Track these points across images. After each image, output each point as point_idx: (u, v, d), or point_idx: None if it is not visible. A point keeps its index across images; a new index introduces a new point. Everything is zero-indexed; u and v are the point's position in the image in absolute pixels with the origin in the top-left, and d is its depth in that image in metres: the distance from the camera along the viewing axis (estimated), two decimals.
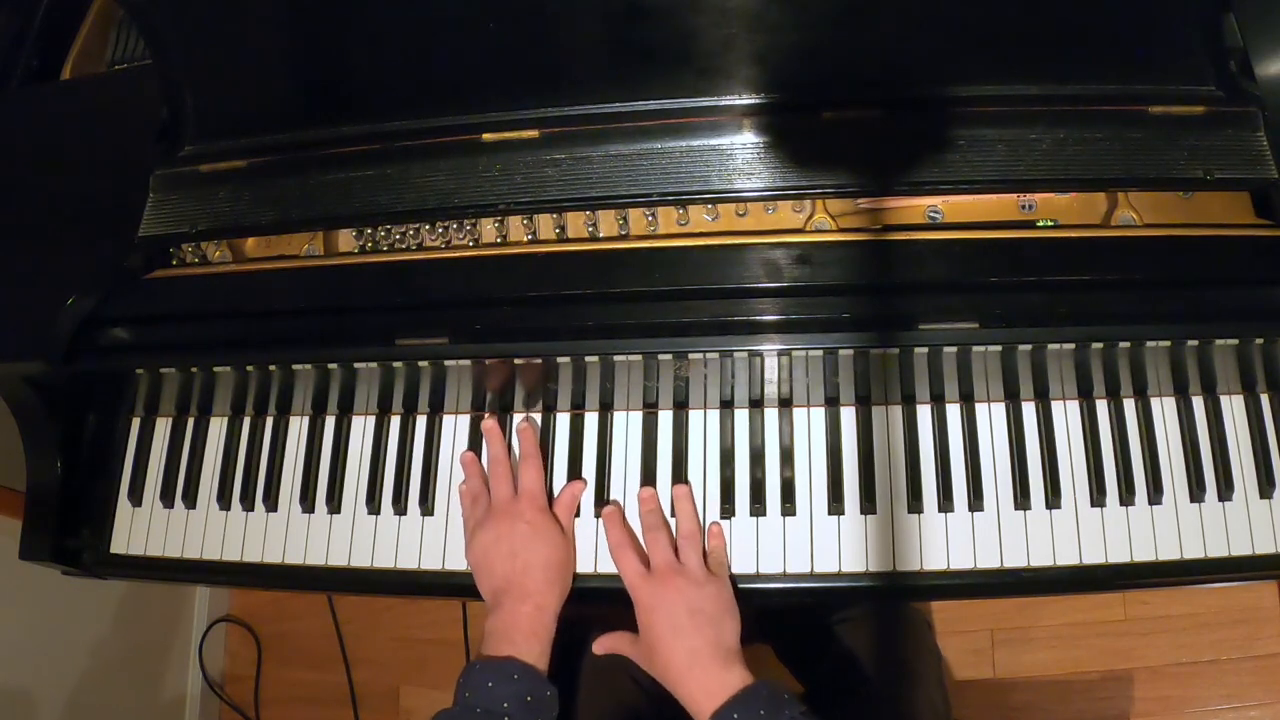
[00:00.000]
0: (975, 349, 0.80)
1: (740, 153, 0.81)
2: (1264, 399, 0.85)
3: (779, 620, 1.14)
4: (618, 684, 0.97)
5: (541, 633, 0.79)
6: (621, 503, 0.88)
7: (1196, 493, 0.83)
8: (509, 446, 0.90)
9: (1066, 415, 0.86)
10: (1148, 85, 0.79)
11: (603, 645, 0.85)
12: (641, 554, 0.84)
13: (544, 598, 0.81)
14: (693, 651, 0.77)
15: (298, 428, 0.96)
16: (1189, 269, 0.78)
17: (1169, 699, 1.51)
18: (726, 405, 0.89)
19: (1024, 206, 0.85)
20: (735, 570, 0.85)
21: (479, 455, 0.92)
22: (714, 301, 0.80)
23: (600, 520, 0.88)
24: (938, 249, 0.80)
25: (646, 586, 0.81)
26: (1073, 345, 0.78)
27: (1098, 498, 0.83)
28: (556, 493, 0.89)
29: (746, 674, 0.77)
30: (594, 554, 0.87)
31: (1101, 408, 0.85)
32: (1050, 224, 0.83)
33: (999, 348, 0.79)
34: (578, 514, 0.89)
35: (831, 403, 0.88)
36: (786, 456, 0.87)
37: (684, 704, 0.77)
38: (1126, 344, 0.78)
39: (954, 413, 0.86)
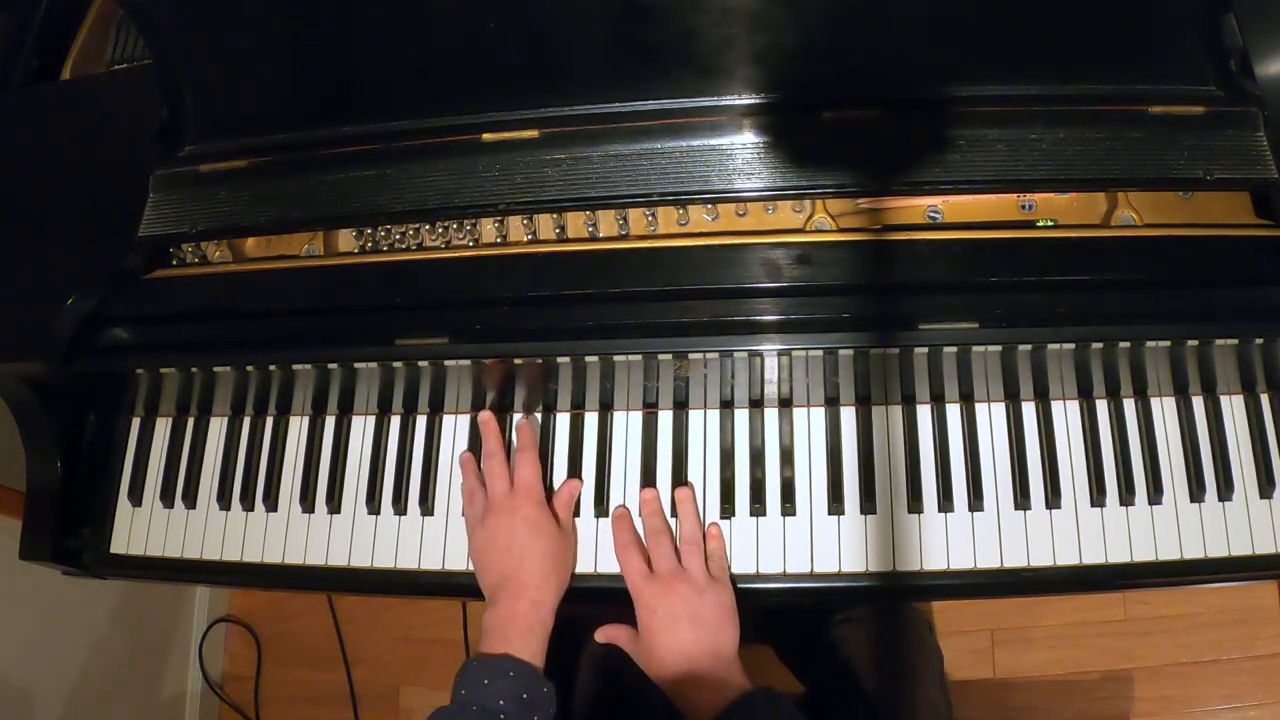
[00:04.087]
0: (975, 349, 0.80)
1: (740, 153, 0.81)
2: (1264, 399, 0.85)
3: (779, 620, 1.14)
4: (615, 684, 0.97)
5: (538, 628, 0.79)
6: (622, 502, 0.88)
7: (1196, 493, 0.83)
8: (506, 442, 0.90)
9: (1066, 415, 0.86)
10: (1148, 85, 0.79)
11: (604, 635, 0.85)
12: (646, 556, 0.84)
13: (540, 592, 0.81)
14: (691, 658, 0.78)
15: (298, 428, 0.96)
16: (1189, 269, 0.78)
17: (1169, 699, 1.51)
18: (726, 405, 0.89)
19: (1024, 206, 0.84)
20: (735, 570, 0.85)
21: (479, 455, 0.92)
22: (714, 301, 0.80)
23: (600, 521, 0.88)
24: (938, 249, 0.80)
25: (649, 588, 0.81)
26: (1073, 345, 0.78)
27: (1098, 498, 0.83)
28: (556, 488, 0.89)
29: (744, 681, 0.77)
30: (594, 554, 0.87)
31: (1101, 408, 0.85)
32: (1050, 224, 0.83)
33: (999, 348, 0.79)
34: (577, 513, 0.89)
35: (831, 403, 0.88)
36: (786, 456, 0.87)
37: (681, 710, 0.78)
38: (1126, 344, 0.78)
39: (954, 413, 0.86)
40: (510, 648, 0.77)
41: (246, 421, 0.97)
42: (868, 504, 0.85)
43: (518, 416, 0.92)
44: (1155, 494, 0.83)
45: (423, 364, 0.86)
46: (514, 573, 0.81)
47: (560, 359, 0.84)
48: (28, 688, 1.40)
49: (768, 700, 0.75)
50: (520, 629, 0.78)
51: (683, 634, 0.79)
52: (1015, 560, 0.83)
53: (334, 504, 0.93)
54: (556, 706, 0.77)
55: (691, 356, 0.82)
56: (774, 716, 0.73)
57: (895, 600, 1.02)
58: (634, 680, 0.95)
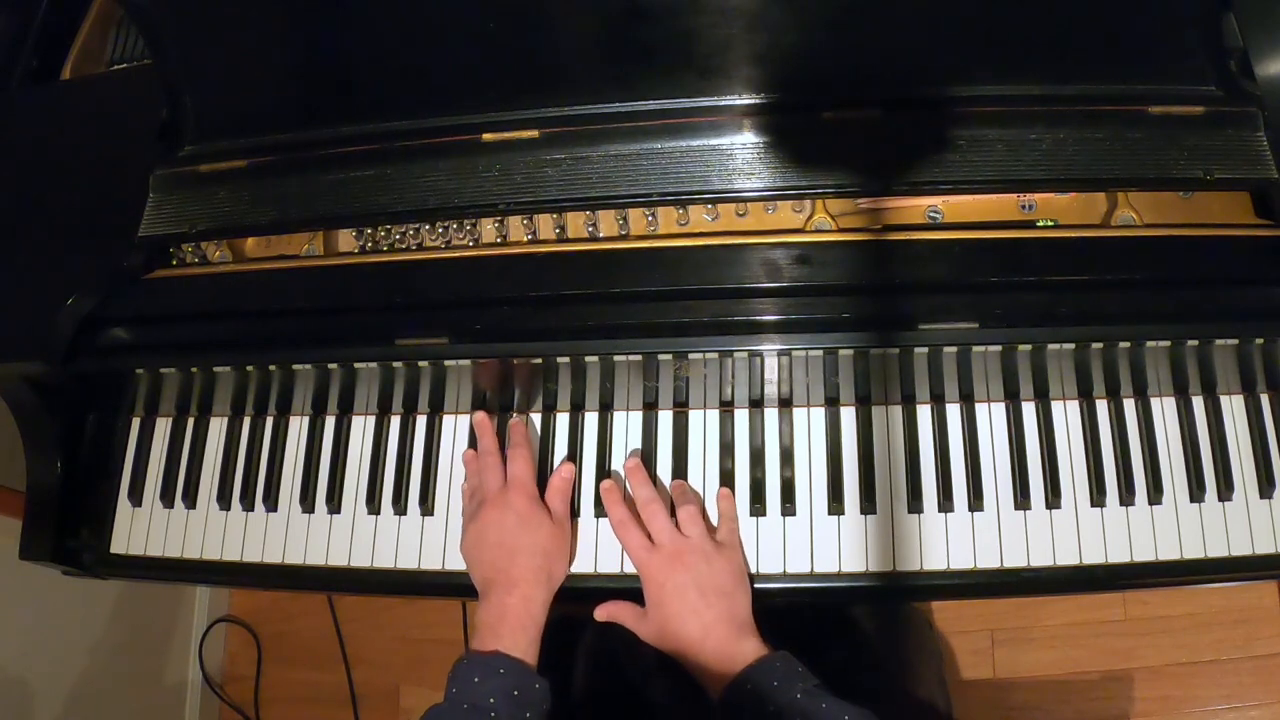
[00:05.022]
0: (975, 349, 0.80)
1: (740, 153, 0.81)
2: (1264, 399, 0.85)
3: (779, 620, 1.14)
4: (615, 677, 0.97)
5: (529, 624, 0.79)
6: (620, 497, 0.88)
7: (1196, 493, 0.83)
8: (500, 439, 0.90)
9: (1066, 415, 0.86)
10: (1148, 85, 0.79)
11: (605, 612, 0.84)
12: (645, 529, 0.83)
13: (531, 588, 0.80)
14: (705, 627, 0.77)
15: (298, 428, 0.96)
16: (1189, 269, 0.78)
17: (1169, 699, 1.51)
18: (726, 405, 0.89)
19: (1024, 206, 0.85)
20: None
21: None
22: (714, 301, 0.80)
23: (600, 521, 0.88)
24: (938, 249, 0.80)
25: (654, 561, 0.80)
26: (1073, 345, 0.78)
27: (1097, 498, 0.83)
28: (550, 476, 0.88)
29: (761, 645, 0.77)
30: (594, 554, 0.87)
31: (1101, 408, 0.85)
32: (1050, 224, 0.83)
33: (999, 348, 0.79)
34: (577, 513, 0.89)
35: (831, 403, 0.88)
36: (786, 456, 0.87)
37: (697, 678, 0.77)
38: (1126, 344, 0.78)
39: (954, 413, 0.86)
40: (501, 644, 0.77)
41: (246, 421, 0.97)
42: (868, 504, 0.85)
43: (515, 416, 0.92)
44: (1155, 494, 0.83)
45: (423, 364, 0.86)
46: (506, 568, 0.81)
47: (560, 359, 0.84)
48: (27, 687, 1.40)
49: (786, 663, 0.75)
50: (511, 625, 0.78)
51: (694, 603, 0.78)
52: (1015, 560, 0.83)
53: (334, 504, 0.93)
54: (552, 702, 0.77)
55: (691, 356, 0.82)
56: (792, 680, 0.73)
57: (895, 600, 1.02)
58: (637, 670, 0.95)
